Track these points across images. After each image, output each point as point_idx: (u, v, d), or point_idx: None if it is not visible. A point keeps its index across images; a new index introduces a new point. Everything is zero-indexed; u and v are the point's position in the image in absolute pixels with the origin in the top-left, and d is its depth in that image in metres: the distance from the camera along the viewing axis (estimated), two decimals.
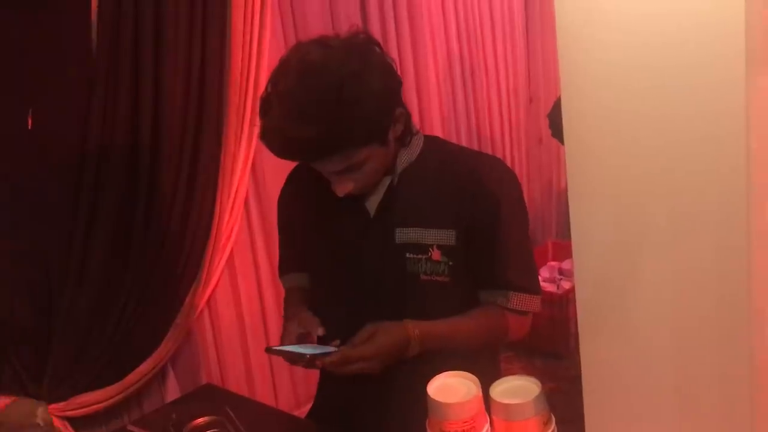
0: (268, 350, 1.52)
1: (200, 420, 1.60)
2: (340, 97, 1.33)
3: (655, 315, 0.90)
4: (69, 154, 1.98)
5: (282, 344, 1.54)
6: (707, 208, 0.83)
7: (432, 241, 1.51)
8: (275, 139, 1.38)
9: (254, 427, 1.59)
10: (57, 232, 2.00)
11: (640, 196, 0.88)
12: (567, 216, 0.95)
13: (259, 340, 2.64)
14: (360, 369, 1.42)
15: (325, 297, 1.66)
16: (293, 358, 1.49)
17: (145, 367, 2.23)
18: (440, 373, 1.22)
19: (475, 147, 3.37)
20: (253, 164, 2.48)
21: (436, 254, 1.51)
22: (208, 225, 2.31)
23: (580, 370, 0.99)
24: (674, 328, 0.89)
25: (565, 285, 3.50)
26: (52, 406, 2.01)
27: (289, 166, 1.79)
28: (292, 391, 2.80)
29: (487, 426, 1.18)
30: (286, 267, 1.81)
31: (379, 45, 1.46)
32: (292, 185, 1.74)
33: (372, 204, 1.56)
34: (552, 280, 3.56)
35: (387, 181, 1.54)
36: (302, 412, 2.40)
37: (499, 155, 3.46)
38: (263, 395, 2.66)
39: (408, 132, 1.53)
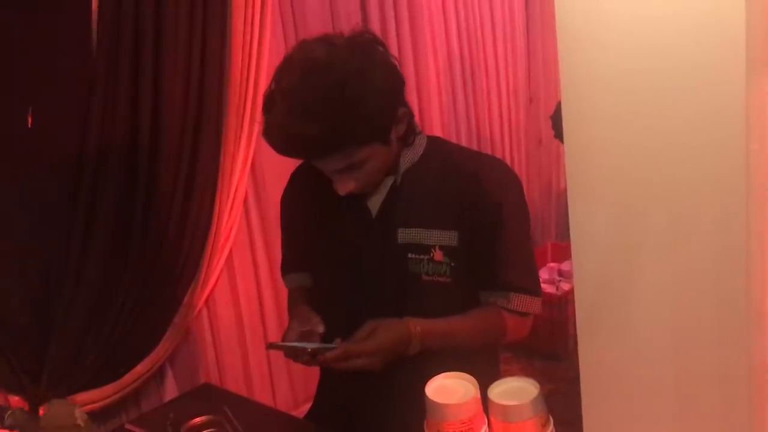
0: (270, 346, 1.53)
1: (198, 419, 1.59)
2: (343, 96, 1.33)
3: (654, 316, 0.91)
4: (68, 154, 1.98)
5: (284, 341, 1.54)
6: (707, 210, 0.83)
7: (434, 242, 1.51)
8: (277, 136, 1.39)
9: (252, 427, 1.59)
10: (55, 231, 2.00)
11: (640, 197, 0.88)
12: (566, 217, 0.95)
13: (257, 340, 2.64)
14: (361, 365, 1.42)
15: (326, 296, 1.66)
16: (294, 354, 1.50)
17: (143, 367, 2.23)
18: (440, 373, 1.22)
19: (475, 147, 3.36)
20: (253, 164, 2.48)
21: (438, 255, 1.51)
22: (207, 225, 2.31)
23: (579, 372, 0.99)
24: (673, 329, 0.89)
25: (564, 286, 3.50)
26: None
27: (288, 166, 1.79)
28: (290, 392, 2.80)
29: (485, 427, 1.18)
30: (288, 266, 1.81)
31: (383, 44, 1.47)
32: (295, 185, 1.74)
33: (374, 204, 1.56)
34: (551, 282, 3.56)
35: (390, 181, 1.54)
36: (300, 412, 2.40)
37: (498, 156, 3.46)
38: (261, 395, 2.66)
39: (411, 132, 1.53)
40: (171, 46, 2.07)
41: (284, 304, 2.54)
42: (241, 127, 2.32)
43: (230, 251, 2.47)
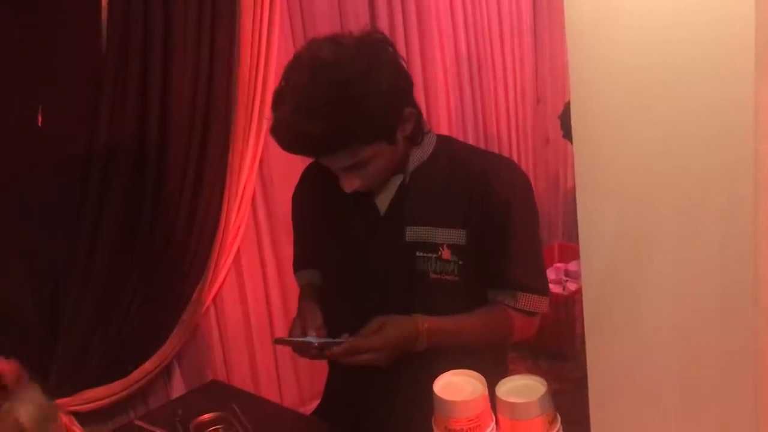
0: (277, 341, 1.53)
1: (206, 416, 1.60)
2: (348, 95, 1.34)
3: (662, 316, 0.90)
4: (77, 152, 1.99)
5: (290, 337, 1.55)
6: (715, 210, 0.83)
7: (442, 240, 1.51)
8: (284, 134, 1.40)
9: (260, 423, 1.60)
10: (64, 228, 2.00)
11: (649, 197, 0.88)
12: (573, 217, 0.95)
13: (264, 338, 2.65)
14: (368, 360, 1.43)
15: (335, 294, 1.67)
16: (301, 349, 1.50)
17: (150, 364, 2.24)
18: (447, 371, 1.23)
19: (482, 146, 3.36)
20: (261, 163, 2.48)
21: (446, 253, 1.51)
22: (215, 223, 2.31)
23: (586, 371, 0.99)
24: (681, 329, 0.89)
25: (571, 286, 3.49)
26: (58, 401, 2.02)
27: (296, 165, 1.80)
28: (296, 389, 2.80)
29: (492, 424, 1.18)
30: (299, 263, 1.82)
31: (392, 45, 1.48)
32: (306, 182, 1.75)
33: (383, 202, 1.57)
34: (558, 282, 3.56)
35: (398, 179, 1.55)
36: (307, 410, 2.40)
37: (505, 155, 3.46)
38: (268, 393, 2.67)
39: (419, 131, 1.54)
40: (180, 44, 2.07)
41: (291, 302, 2.56)
42: (250, 125, 2.32)
43: (238, 249, 2.48)
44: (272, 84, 2.28)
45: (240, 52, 2.24)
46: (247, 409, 1.64)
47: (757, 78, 0.75)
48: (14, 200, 1.91)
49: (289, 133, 1.39)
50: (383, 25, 2.88)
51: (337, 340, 1.45)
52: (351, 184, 1.48)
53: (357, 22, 2.73)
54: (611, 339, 0.96)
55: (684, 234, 0.86)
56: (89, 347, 2.08)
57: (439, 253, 1.52)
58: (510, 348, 1.83)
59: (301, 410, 2.56)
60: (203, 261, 2.32)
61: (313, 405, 1.83)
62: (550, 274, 3.61)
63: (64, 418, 1.94)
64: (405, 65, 1.49)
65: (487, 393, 1.18)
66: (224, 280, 2.45)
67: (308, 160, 1.72)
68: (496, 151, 3.45)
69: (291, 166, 1.76)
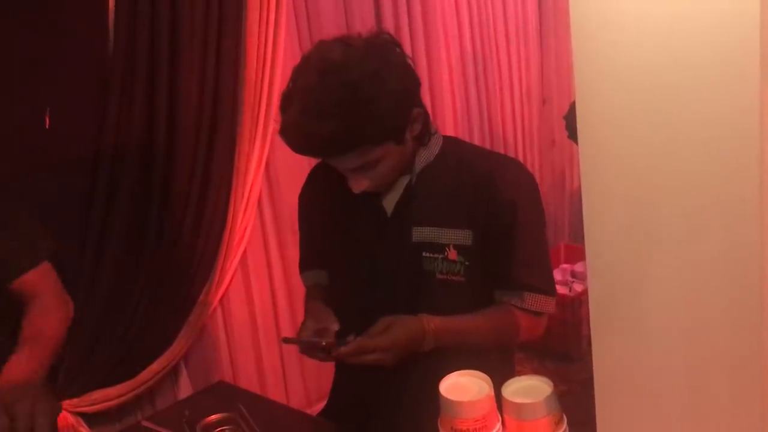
0: (285, 340, 1.54)
1: (214, 417, 1.60)
2: (357, 96, 1.35)
3: (669, 317, 0.90)
4: (84, 153, 2.00)
5: (299, 338, 1.55)
6: (721, 211, 0.83)
7: (448, 241, 1.52)
8: (293, 135, 1.40)
9: (268, 424, 1.60)
10: (71, 230, 2.01)
11: (654, 198, 0.88)
12: (579, 218, 0.95)
13: (271, 339, 2.65)
14: (375, 360, 1.43)
15: (341, 294, 1.67)
16: (309, 349, 1.51)
17: (158, 365, 2.24)
18: (454, 371, 1.23)
19: (488, 147, 3.36)
20: (267, 164, 2.49)
21: (452, 254, 1.52)
22: (222, 224, 2.32)
23: (592, 373, 0.99)
24: (687, 330, 0.89)
25: (577, 287, 3.49)
26: (66, 402, 2.02)
27: (302, 166, 1.80)
28: (303, 390, 2.80)
29: (498, 425, 1.18)
30: (306, 264, 1.82)
31: (399, 46, 1.48)
32: (313, 183, 1.75)
33: (389, 203, 1.57)
34: (564, 283, 3.55)
35: (405, 180, 1.55)
36: (313, 411, 2.41)
37: (511, 156, 3.46)
38: (275, 394, 2.67)
39: (426, 132, 1.54)
40: (187, 46, 2.08)
41: (298, 303, 2.56)
42: (256, 127, 2.33)
43: (244, 250, 2.48)
44: (278, 86, 2.28)
45: (246, 55, 2.25)
46: (254, 410, 1.64)
47: (762, 79, 0.75)
48: (22, 201, 1.92)
49: (298, 134, 1.40)
50: (389, 25, 2.88)
51: (344, 340, 1.46)
52: (360, 184, 1.48)
53: (363, 24, 2.73)
54: (617, 340, 0.96)
55: (689, 235, 0.86)
56: (97, 348, 2.09)
57: (446, 253, 1.52)
58: (516, 349, 1.83)
59: (308, 411, 2.56)
60: (210, 262, 2.32)
61: (320, 406, 1.83)
62: (557, 275, 3.60)
63: (71, 419, 1.95)
64: (413, 65, 1.50)
65: (493, 393, 1.18)
66: (231, 281, 2.46)
67: (315, 161, 1.73)
68: (502, 151, 3.45)
69: (297, 168, 1.77)
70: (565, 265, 3.70)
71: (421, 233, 1.54)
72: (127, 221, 2.06)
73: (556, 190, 3.92)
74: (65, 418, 2.03)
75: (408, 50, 2.95)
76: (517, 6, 3.52)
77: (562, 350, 3.33)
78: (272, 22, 2.29)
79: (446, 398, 1.17)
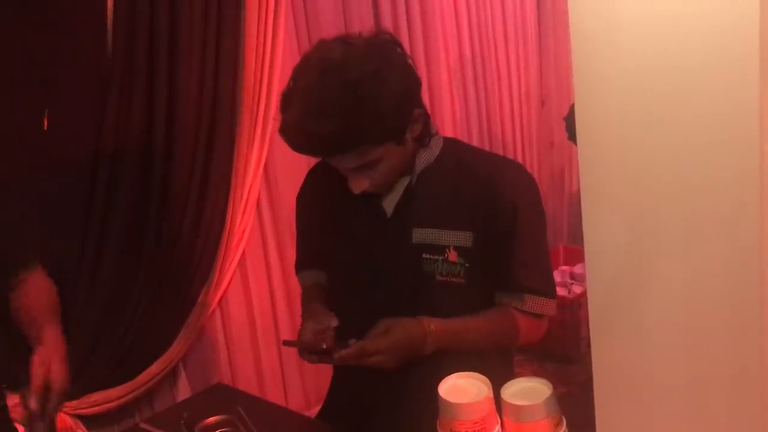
0: (285, 343, 1.53)
1: (212, 419, 1.60)
2: (358, 95, 1.34)
3: (668, 319, 0.90)
4: (83, 154, 2.00)
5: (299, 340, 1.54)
6: (720, 212, 0.83)
7: (449, 242, 1.51)
8: (293, 134, 1.40)
9: (265, 426, 1.60)
10: (70, 231, 2.01)
11: (653, 199, 0.88)
12: (578, 220, 0.95)
13: (270, 340, 2.65)
14: (375, 362, 1.43)
15: (341, 295, 1.67)
16: (309, 351, 1.50)
17: (157, 367, 2.24)
18: (453, 373, 1.23)
19: (487, 148, 3.36)
20: (266, 166, 2.49)
21: (452, 255, 1.51)
22: (221, 226, 2.32)
23: (592, 374, 0.99)
24: (687, 332, 0.89)
25: (577, 289, 3.49)
26: (65, 403, 2.02)
27: (301, 168, 1.80)
28: (302, 392, 2.80)
29: (497, 427, 1.18)
30: (303, 264, 1.82)
31: (400, 46, 1.48)
32: (311, 183, 1.75)
33: (389, 204, 1.57)
34: (563, 285, 3.55)
35: (405, 181, 1.55)
36: (312, 413, 2.40)
37: (510, 157, 3.46)
38: (273, 396, 2.67)
39: (427, 133, 1.54)
40: (185, 47, 2.08)
41: (296, 304, 2.55)
42: (255, 127, 2.33)
43: (243, 252, 2.48)
44: (277, 87, 2.28)
45: (245, 55, 2.25)
46: (253, 412, 1.64)
47: (762, 81, 0.75)
48: (21, 202, 1.92)
49: (298, 133, 1.39)
50: (387, 26, 2.88)
51: (344, 344, 1.45)
52: (360, 185, 1.48)
53: (361, 24, 2.73)
54: (617, 342, 0.96)
55: (689, 237, 0.86)
56: (96, 349, 2.09)
57: (446, 255, 1.52)
58: (516, 351, 1.83)
59: (307, 413, 2.56)
60: (209, 263, 2.32)
61: (318, 408, 1.83)
62: (556, 276, 3.59)
63: (70, 421, 1.95)
64: (414, 66, 1.50)
65: (492, 395, 1.18)
66: (230, 282, 2.46)
67: (314, 162, 1.73)
68: (501, 153, 3.45)
69: (296, 169, 1.76)
70: (564, 267, 3.70)
71: (421, 234, 1.53)
72: (127, 222, 2.06)
73: (555, 191, 3.92)
74: (64, 420, 2.03)
75: (407, 51, 2.95)
76: (516, 7, 3.52)
77: (562, 352, 3.33)
78: (271, 23, 2.29)
79: (445, 400, 1.17)
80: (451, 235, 1.52)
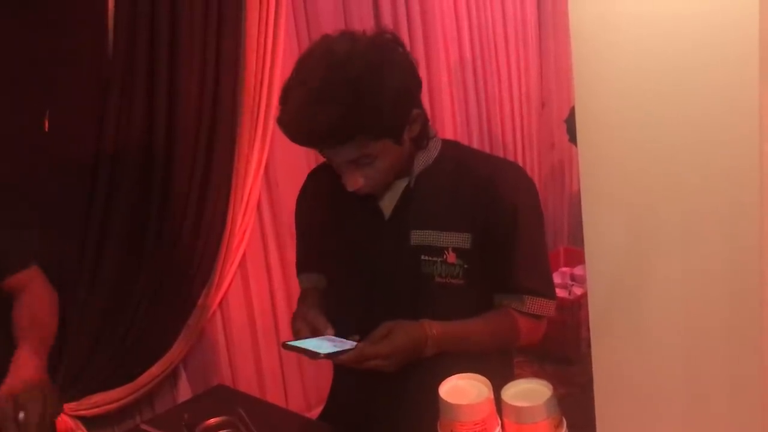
0: (285, 346, 1.52)
1: (213, 420, 1.60)
2: (359, 89, 1.36)
3: (668, 320, 0.91)
4: (84, 155, 2.00)
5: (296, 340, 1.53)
6: (720, 213, 0.83)
7: (447, 244, 1.52)
8: (292, 124, 1.41)
9: (266, 428, 1.60)
10: (71, 232, 2.01)
11: (653, 200, 0.88)
12: (579, 221, 0.95)
13: (270, 342, 2.65)
14: (377, 366, 1.43)
15: (340, 298, 1.66)
16: (309, 354, 1.50)
17: (157, 369, 2.24)
18: (453, 374, 1.23)
19: (487, 150, 3.36)
20: (267, 167, 2.49)
21: (451, 257, 1.52)
22: (221, 227, 2.32)
23: (592, 375, 0.99)
24: (686, 333, 0.89)
25: (577, 291, 3.49)
26: (65, 405, 2.02)
27: (301, 169, 1.80)
28: (302, 394, 2.80)
29: (498, 428, 1.18)
30: (303, 266, 1.81)
31: (403, 46, 1.49)
32: (311, 185, 1.75)
33: (388, 206, 1.57)
34: (564, 286, 3.55)
35: (403, 183, 1.55)
36: (312, 414, 2.40)
37: (511, 159, 3.46)
38: (274, 398, 2.67)
39: (425, 135, 1.54)
40: (186, 48, 2.08)
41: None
42: (255, 129, 2.33)
43: (244, 253, 2.48)
44: (278, 88, 2.28)
45: (246, 57, 2.25)
46: (253, 413, 1.64)
47: (762, 82, 0.75)
48: (22, 203, 1.92)
49: (298, 123, 1.40)
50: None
51: (345, 346, 1.44)
52: (354, 182, 1.47)
53: (362, 25, 2.73)
54: (617, 343, 0.97)
55: (689, 237, 0.86)
56: (96, 351, 2.09)
57: (444, 256, 1.52)
58: (516, 352, 1.83)
59: (307, 414, 2.56)
60: (209, 265, 2.32)
61: (319, 409, 1.83)
62: (556, 278, 3.60)
63: (70, 423, 1.95)
64: (415, 66, 1.50)
65: (492, 397, 1.18)
66: (230, 283, 2.46)
67: (314, 164, 1.73)
68: (501, 154, 3.45)
69: (296, 170, 1.77)
70: (564, 268, 3.70)
71: (419, 236, 1.53)
72: (127, 223, 2.06)
73: (555, 192, 3.92)
74: (65, 421, 2.03)
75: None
76: (516, 8, 3.52)
77: (562, 353, 3.33)
78: (272, 24, 2.29)
79: (446, 401, 1.17)
80: (449, 236, 1.52)
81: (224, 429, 1.59)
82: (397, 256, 1.55)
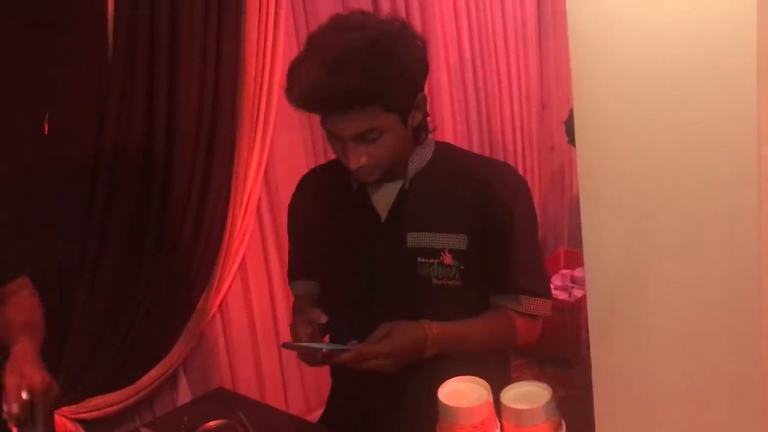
0: (285, 345, 1.53)
1: (212, 423, 1.60)
2: (374, 51, 1.37)
3: (667, 323, 0.90)
4: (84, 158, 2.00)
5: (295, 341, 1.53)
6: (719, 216, 0.83)
7: (443, 246, 1.52)
8: (305, 89, 1.40)
9: (267, 431, 1.60)
10: (70, 235, 2.01)
11: (652, 203, 0.88)
12: (579, 224, 0.95)
13: (270, 345, 2.65)
14: (377, 366, 1.43)
15: (336, 300, 1.66)
16: (308, 354, 1.50)
17: (157, 371, 2.24)
18: (452, 377, 1.23)
19: (487, 153, 3.36)
20: (266, 170, 2.49)
21: (447, 258, 1.52)
22: (221, 230, 2.32)
23: (591, 378, 0.99)
24: (686, 336, 0.89)
25: (577, 293, 3.48)
26: (65, 408, 2.02)
27: (301, 171, 1.80)
28: (302, 397, 2.80)
29: (497, 431, 1.18)
30: (296, 273, 1.80)
31: (413, 29, 1.51)
32: (304, 190, 1.74)
33: (383, 208, 1.57)
34: (564, 288, 3.55)
35: (398, 185, 1.55)
36: (313, 417, 2.40)
37: (511, 162, 3.45)
38: (274, 401, 2.66)
39: (424, 127, 1.55)
40: (186, 52, 2.08)
41: None
42: (255, 132, 2.33)
43: (243, 257, 2.48)
44: (278, 91, 2.28)
45: (245, 60, 2.25)
46: (253, 416, 1.64)
47: (759, 85, 0.75)
48: (22, 205, 1.92)
49: (310, 88, 1.39)
50: None
51: (345, 347, 1.45)
52: (358, 159, 1.45)
53: None
54: (616, 345, 0.96)
55: (688, 240, 0.86)
56: (96, 354, 2.09)
57: (441, 258, 1.52)
58: (515, 354, 1.83)
59: (307, 417, 2.55)
60: (209, 267, 2.32)
61: (320, 412, 1.83)
62: (556, 280, 3.60)
63: (70, 426, 1.95)
64: (425, 48, 1.51)
65: (491, 399, 1.18)
66: (230, 286, 2.46)
67: (313, 165, 1.73)
68: (502, 156, 3.45)
69: (296, 173, 1.76)
70: (564, 271, 3.69)
71: (415, 238, 1.54)
72: (127, 226, 2.06)
73: (555, 194, 3.92)
74: (64, 425, 2.03)
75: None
76: (516, 9, 3.52)
77: (561, 355, 3.32)
78: (271, 27, 2.29)
79: (445, 404, 1.17)
80: (445, 238, 1.52)
81: None
82: (393, 258, 1.55)
